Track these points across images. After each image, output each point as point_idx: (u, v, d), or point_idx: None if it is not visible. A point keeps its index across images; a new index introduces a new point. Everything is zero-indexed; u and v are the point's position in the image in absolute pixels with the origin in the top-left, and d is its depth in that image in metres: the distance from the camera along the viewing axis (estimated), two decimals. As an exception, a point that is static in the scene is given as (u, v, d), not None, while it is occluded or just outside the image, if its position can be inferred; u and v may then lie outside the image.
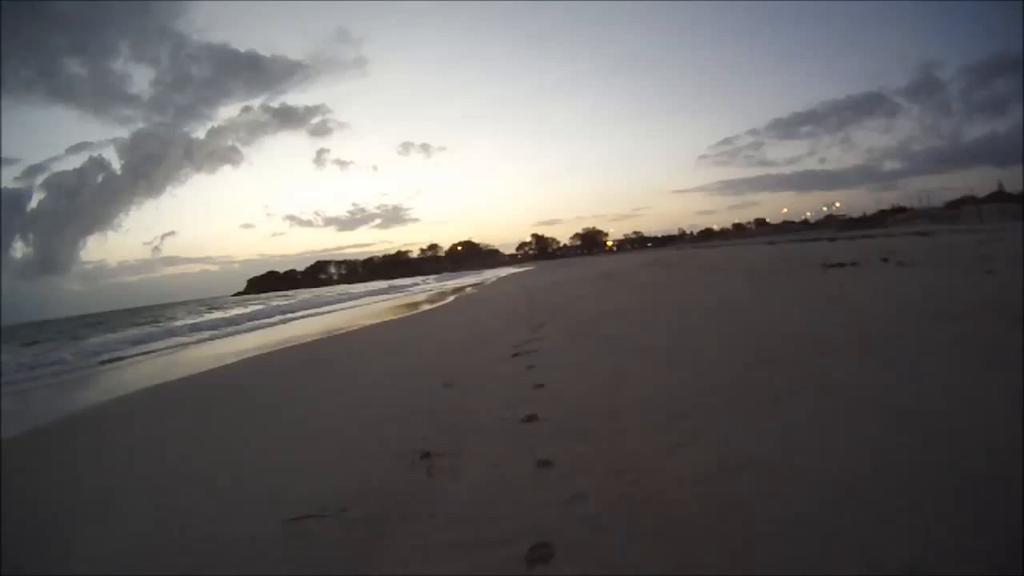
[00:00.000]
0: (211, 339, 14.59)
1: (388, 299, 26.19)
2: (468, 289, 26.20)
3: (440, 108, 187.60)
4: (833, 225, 61.41)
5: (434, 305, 16.86)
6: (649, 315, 6.65)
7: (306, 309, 22.90)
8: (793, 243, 26.00)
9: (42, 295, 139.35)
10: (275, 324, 17.26)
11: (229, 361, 8.84)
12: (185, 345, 13.75)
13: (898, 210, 55.53)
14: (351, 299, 29.39)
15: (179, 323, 22.43)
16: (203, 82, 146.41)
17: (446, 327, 9.15)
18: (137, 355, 12.43)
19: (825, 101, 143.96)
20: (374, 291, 36.14)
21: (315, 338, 11.17)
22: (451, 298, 19.92)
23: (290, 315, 20.46)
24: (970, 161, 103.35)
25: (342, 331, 11.88)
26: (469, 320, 9.90)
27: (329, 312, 21.13)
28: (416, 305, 18.90)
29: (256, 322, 18.45)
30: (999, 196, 48.29)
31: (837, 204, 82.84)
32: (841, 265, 9.26)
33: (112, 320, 37.70)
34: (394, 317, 13.85)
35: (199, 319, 24.39)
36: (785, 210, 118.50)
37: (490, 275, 47.03)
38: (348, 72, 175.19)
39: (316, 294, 43.82)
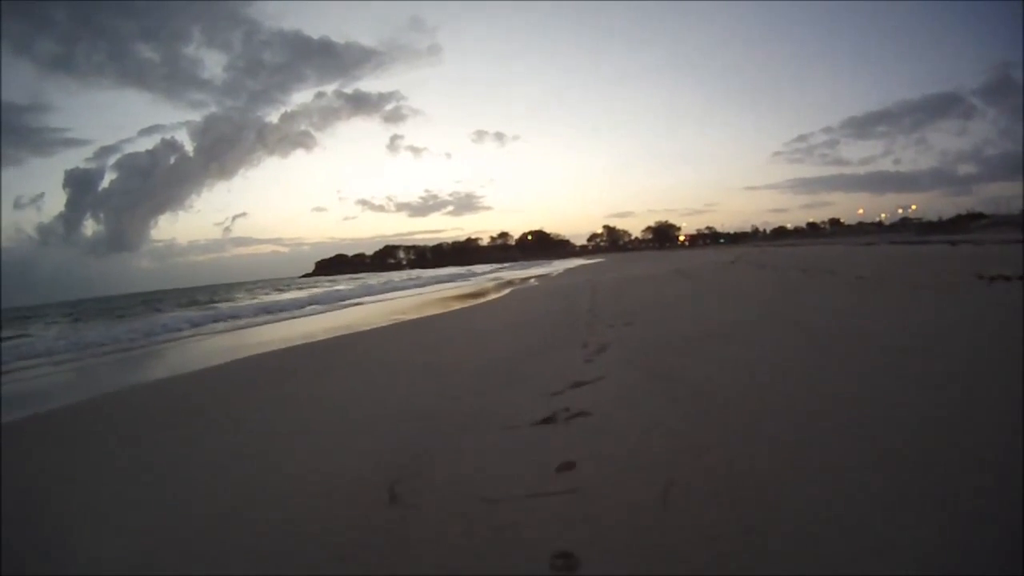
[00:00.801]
0: (245, 327, 13.40)
1: (444, 288, 24.64)
2: (531, 280, 24.28)
3: (513, 97, 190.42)
4: (911, 228, 60.26)
5: (482, 300, 14.88)
6: (773, 347, 4.28)
7: (354, 298, 21.50)
8: (893, 245, 23.03)
9: (111, 271, 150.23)
10: (303, 316, 15.75)
11: (215, 362, 7.21)
12: (216, 333, 12.56)
13: (976, 216, 54.72)
14: (409, 286, 28.23)
15: (225, 306, 21.63)
16: (276, 68, 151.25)
17: (474, 337, 7.11)
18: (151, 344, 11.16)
19: (900, 100, 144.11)
20: (436, 279, 34.88)
21: (321, 338, 9.47)
22: (506, 291, 17.94)
23: (328, 305, 19.05)
24: None
25: (356, 329, 10.20)
26: (510, 326, 7.94)
27: (375, 301, 19.63)
28: (467, 297, 17.13)
29: (299, 311, 17.13)
30: None
31: (913, 207, 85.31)
32: (1006, 278, 6.63)
33: (167, 298, 38.19)
34: (427, 314, 12.05)
35: (251, 301, 23.55)
36: (861, 211, 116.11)
37: (558, 266, 44.87)
38: (422, 60, 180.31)
39: (382, 279, 43.23)
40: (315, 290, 28.46)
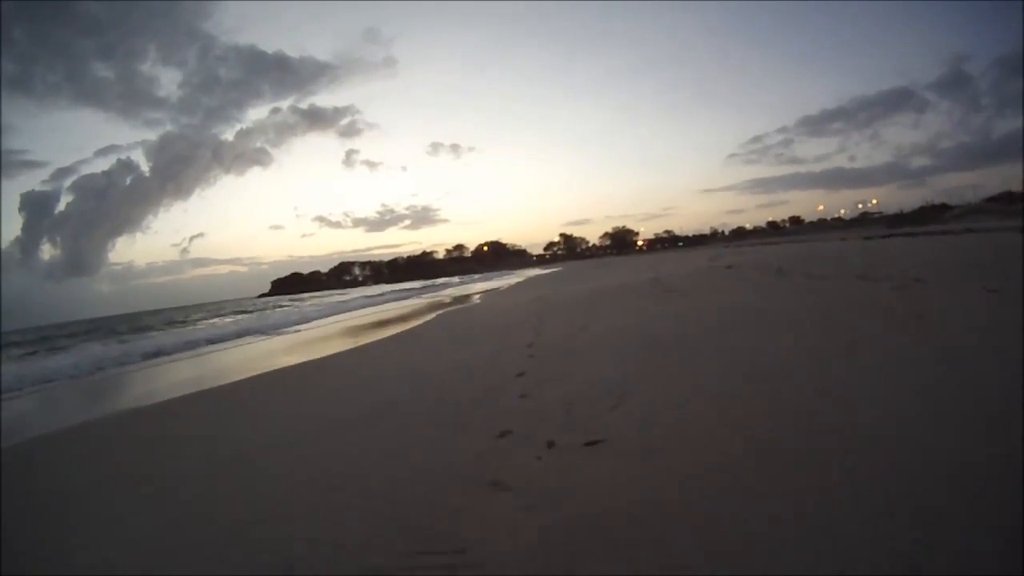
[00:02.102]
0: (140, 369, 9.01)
1: (376, 310, 20.20)
2: (473, 297, 20.08)
3: (470, 108, 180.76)
4: (877, 222, 60.08)
5: (393, 330, 10.83)
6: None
7: (287, 325, 16.98)
8: (876, 240, 20.39)
9: (70, 297, 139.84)
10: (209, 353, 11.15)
11: None
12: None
13: (940, 207, 54.21)
14: (348, 307, 23.82)
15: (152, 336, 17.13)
16: (231, 84, 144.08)
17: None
18: None
19: (855, 97, 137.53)
20: (379, 297, 30.80)
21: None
22: (430, 316, 13.76)
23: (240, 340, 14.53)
24: (999, 157, 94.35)
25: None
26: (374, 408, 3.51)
27: (297, 331, 15.29)
28: (381, 326, 12.91)
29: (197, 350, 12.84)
30: None
31: (874, 201, 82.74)
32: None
33: (100, 328, 32.59)
34: (325, 351, 7.95)
35: (181, 331, 18.76)
36: (821, 207, 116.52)
37: (510, 279, 40.41)
38: (377, 72, 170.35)
39: (328, 299, 38.52)
40: (250, 316, 23.16)
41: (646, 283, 11.88)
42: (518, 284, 27.32)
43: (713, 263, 17.91)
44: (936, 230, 23.38)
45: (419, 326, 11.58)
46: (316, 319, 18.25)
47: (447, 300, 21.18)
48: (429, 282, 61.39)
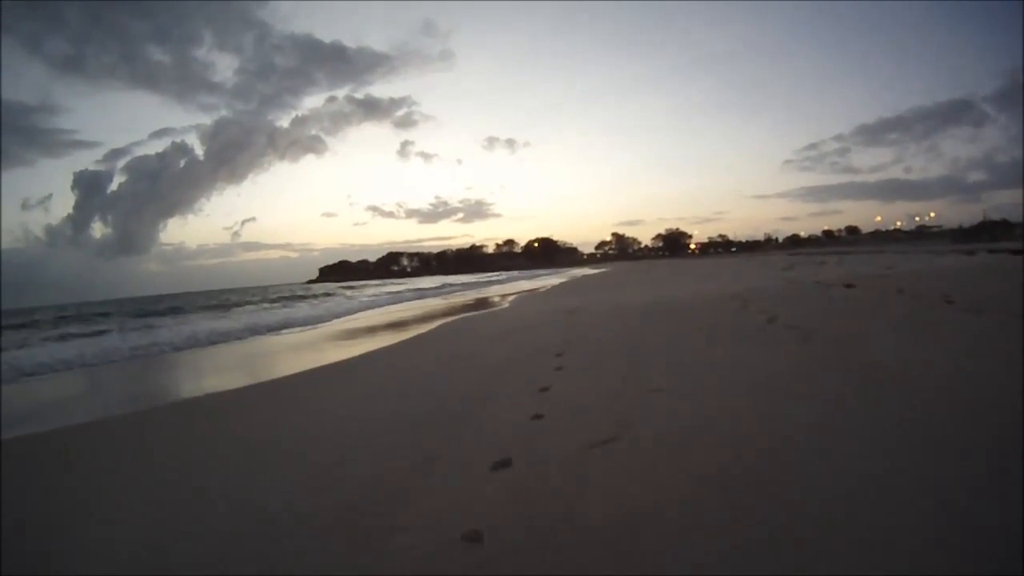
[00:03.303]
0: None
1: (377, 314, 17.38)
2: (501, 301, 17.16)
3: (525, 103, 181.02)
4: (942, 236, 58.25)
5: (389, 339, 8.22)
6: None
7: (324, 320, 14.86)
8: (971, 256, 17.30)
9: (120, 274, 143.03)
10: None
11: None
12: None
13: (1003, 224, 51.94)
14: (380, 302, 21.62)
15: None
16: (287, 72, 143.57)
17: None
18: None
19: (913, 107, 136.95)
20: (417, 292, 28.60)
21: None
22: (434, 325, 10.97)
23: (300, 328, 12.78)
24: None
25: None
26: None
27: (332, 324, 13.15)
28: (385, 329, 9.98)
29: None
30: None
31: (932, 214, 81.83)
32: None
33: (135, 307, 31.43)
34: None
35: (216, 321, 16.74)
36: (879, 218, 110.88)
37: (554, 279, 37.05)
38: (434, 65, 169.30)
39: (369, 292, 35.95)
40: (293, 310, 20.95)
41: (727, 301, 8.58)
42: (556, 287, 24.02)
43: (792, 273, 14.30)
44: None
45: (394, 345, 8.62)
46: (318, 320, 15.51)
47: (468, 303, 18.22)
48: (474, 277, 59.03)
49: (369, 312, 17.25)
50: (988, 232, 45.01)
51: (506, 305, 15.47)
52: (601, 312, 9.76)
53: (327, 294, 34.91)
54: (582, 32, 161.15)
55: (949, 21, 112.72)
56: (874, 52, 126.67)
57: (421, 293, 27.81)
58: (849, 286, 8.76)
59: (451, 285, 35.64)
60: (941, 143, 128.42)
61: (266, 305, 25.75)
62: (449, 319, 12.25)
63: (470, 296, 23.12)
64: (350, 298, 27.94)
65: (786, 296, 8.66)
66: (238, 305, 27.28)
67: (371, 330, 11.70)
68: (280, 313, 18.31)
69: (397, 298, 24.91)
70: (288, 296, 32.97)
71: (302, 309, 20.27)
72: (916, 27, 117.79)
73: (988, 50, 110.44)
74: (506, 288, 27.53)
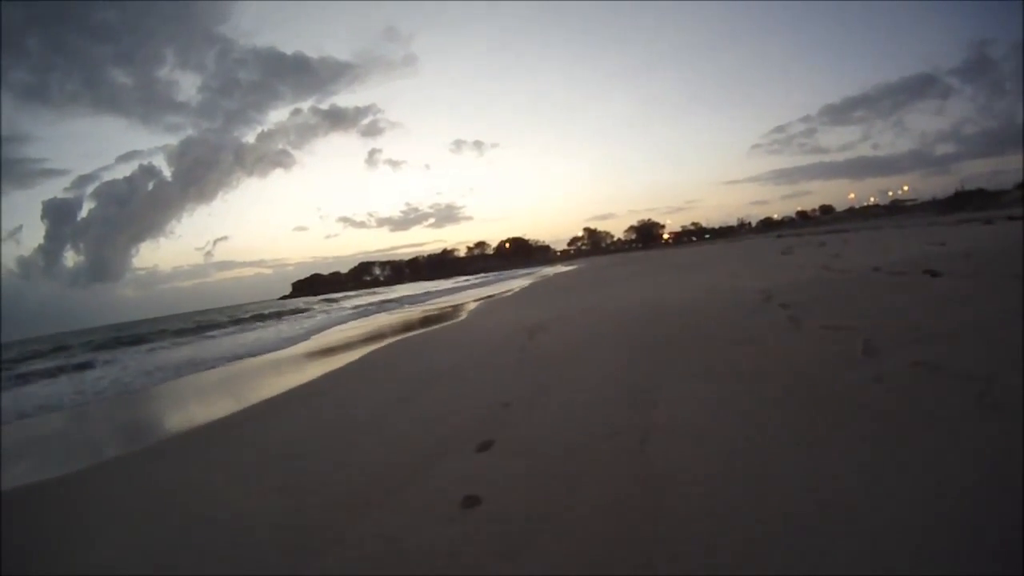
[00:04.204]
0: None
1: (331, 334, 14.65)
2: (451, 310, 14.20)
3: (491, 105, 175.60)
4: (917, 210, 57.26)
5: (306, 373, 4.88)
6: None
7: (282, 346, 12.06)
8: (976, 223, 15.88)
9: (95, 302, 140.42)
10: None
11: None
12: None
13: (979, 193, 51.35)
14: (344, 317, 19.32)
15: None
16: (251, 86, 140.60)
17: None
18: None
19: (878, 84, 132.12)
20: (360, 309, 25.88)
21: None
22: (366, 351, 8.02)
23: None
24: None
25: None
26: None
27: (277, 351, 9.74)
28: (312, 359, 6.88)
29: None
30: None
31: (905, 188, 79.91)
32: None
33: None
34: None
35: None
36: (852, 195, 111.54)
37: (525, 280, 34.25)
38: (398, 71, 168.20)
39: (335, 306, 33.37)
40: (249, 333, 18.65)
41: (756, 306, 5.78)
42: (524, 291, 21.07)
43: (798, 258, 11.65)
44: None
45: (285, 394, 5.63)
46: (262, 350, 12.45)
47: (420, 318, 15.26)
48: (450, 283, 55.75)
49: (316, 338, 14.11)
50: (971, 201, 44.30)
51: (462, 317, 12.63)
52: (572, 331, 6.97)
53: (296, 310, 32.41)
54: (545, 32, 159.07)
55: None
56: (836, 32, 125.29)
57: (382, 306, 25.01)
58: (933, 274, 5.99)
59: (413, 296, 32.50)
60: (907, 118, 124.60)
61: (229, 329, 22.83)
62: (378, 344, 9.34)
63: (431, 306, 20.21)
64: (311, 315, 25.72)
65: (848, 295, 5.88)
66: (198, 330, 24.13)
67: (295, 362, 8.73)
68: (227, 343, 15.72)
69: (360, 312, 22.23)
70: (251, 317, 30.01)
71: (256, 333, 17.90)
72: (877, 5, 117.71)
73: (951, 23, 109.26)
74: (471, 294, 24.62)
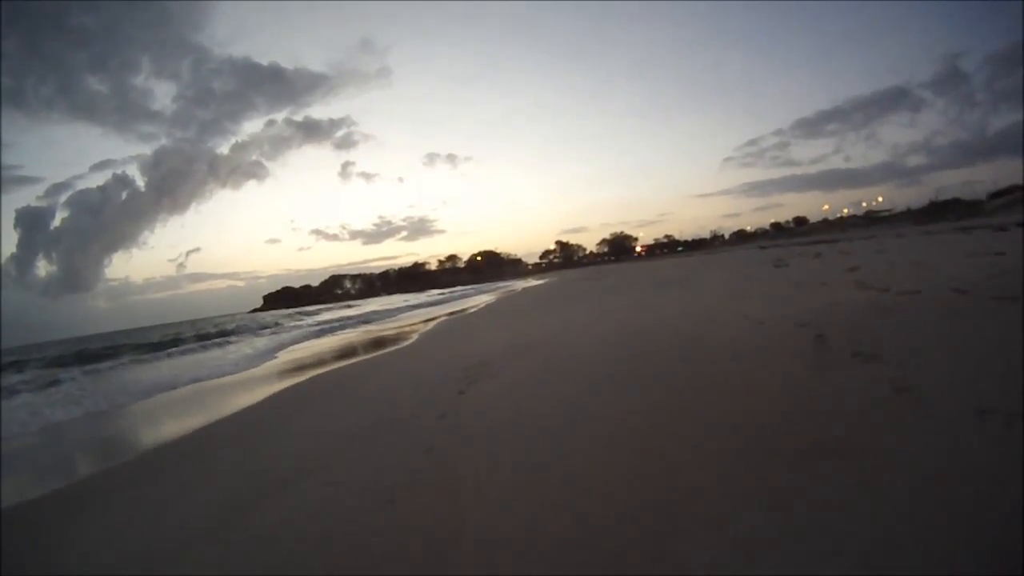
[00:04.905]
0: None
1: (275, 361, 11.93)
2: (393, 335, 12.01)
3: (465, 118, 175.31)
4: (901, 219, 56.84)
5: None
6: None
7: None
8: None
9: (68, 313, 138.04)
10: None
11: None
12: None
13: (955, 203, 51.95)
14: (280, 346, 16.23)
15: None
16: (225, 96, 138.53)
17: None
18: None
19: (850, 98, 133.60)
20: (326, 324, 23.75)
21: None
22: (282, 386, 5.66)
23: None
24: (995, 153, 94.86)
25: None
26: None
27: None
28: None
29: None
30: None
31: (879, 199, 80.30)
32: None
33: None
34: None
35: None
36: (826, 207, 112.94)
37: (490, 296, 32.14)
38: (372, 83, 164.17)
39: (302, 322, 30.65)
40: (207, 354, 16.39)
41: (792, 344, 3.67)
42: (484, 309, 18.86)
43: (798, 272, 9.76)
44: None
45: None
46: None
47: (365, 341, 12.96)
48: (423, 296, 53.20)
49: (249, 369, 11.60)
50: (950, 211, 44.40)
51: (404, 344, 10.42)
52: (523, 378, 4.83)
53: (262, 325, 29.93)
54: (519, 46, 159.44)
55: (882, 11, 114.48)
56: (808, 46, 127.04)
57: (344, 322, 22.97)
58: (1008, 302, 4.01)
59: (376, 313, 30.03)
60: (880, 130, 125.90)
61: (190, 345, 20.33)
62: (288, 383, 7.03)
63: (385, 325, 18.03)
64: (276, 332, 23.41)
65: (953, 340, 3.77)
66: (157, 348, 21.53)
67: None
68: (188, 360, 14.06)
69: (316, 331, 19.77)
70: (215, 333, 27.54)
71: (215, 353, 15.82)
72: (849, 19, 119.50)
73: (923, 37, 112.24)
74: (431, 312, 22.42)
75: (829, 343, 3.88)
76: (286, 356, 11.97)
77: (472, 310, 18.62)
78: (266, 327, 28.41)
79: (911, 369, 3.12)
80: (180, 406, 7.41)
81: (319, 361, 10.04)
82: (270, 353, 13.13)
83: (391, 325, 17.79)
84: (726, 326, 5.26)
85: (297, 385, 7.22)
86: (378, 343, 11.99)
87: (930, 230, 23.56)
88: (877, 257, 10.50)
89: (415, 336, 11.83)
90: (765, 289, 7.89)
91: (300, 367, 9.47)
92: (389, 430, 4.05)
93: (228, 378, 9.47)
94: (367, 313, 28.74)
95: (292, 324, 27.98)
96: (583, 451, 2.88)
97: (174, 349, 19.26)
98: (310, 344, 14.70)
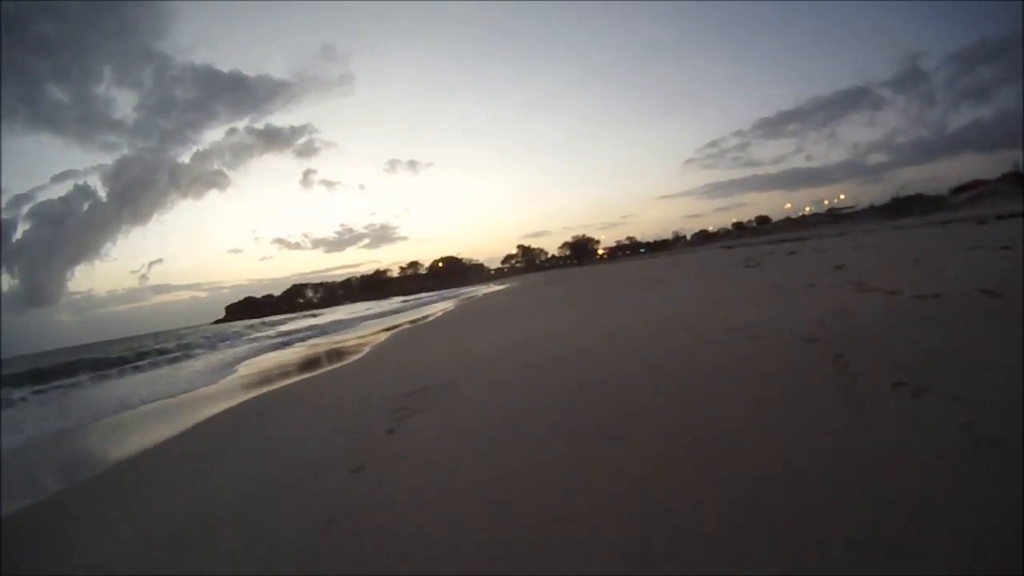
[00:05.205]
0: None
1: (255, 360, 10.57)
2: (335, 352, 10.94)
3: (426, 123, 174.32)
4: (865, 216, 57.35)
5: None
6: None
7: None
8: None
9: (32, 328, 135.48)
10: None
11: None
12: None
13: (918, 199, 52.10)
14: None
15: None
16: (187, 105, 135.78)
17: None
18: None
19: (811, 98, 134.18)
20: (287, 336, 22.89)
21: None
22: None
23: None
24: (956, 149, 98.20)
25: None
26: None
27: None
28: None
29: None
30: (1015, 176, 44.72)
31: (842, 196, 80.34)
32: None
33: None
34: None
35: None
36: (789, 205, 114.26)
37: (448, 304, 31.05)
38: (334, 90, 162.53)
39: (261, 333, 29.41)
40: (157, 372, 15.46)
41: (809, 367, 2.71)
42: (439, 320, 17.71)
43: (767, 272, 9.05)
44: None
45: None
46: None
47: (300, 360, 11.71)
48: (387, 304, 51.74)
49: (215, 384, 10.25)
50: (915, 206, 44.67)
51: (344, 363, 9.28)
52: (466, 416, 3.82)
53: (225, 339, 28.23)
54: (479, 51, 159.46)
55: (843, 12, 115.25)
56: (770, 48, 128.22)
57: (304, 334, 21.87)
58: None
59: (333, 324, 28.58)
60: (840, 129, 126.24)
61: (141, 364, 19.31)
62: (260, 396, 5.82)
63: (335, 338, 16.76)
64: (232, 344, 22.56)
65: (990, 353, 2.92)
66: (112, 366, 19.78)
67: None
68: (140, 379, 13.09)
69: (272, 344, 18.55)
70: (171, 349, 25.72)
71: (164, 371, 14.70)
72: (810, 21, 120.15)
73: (883, 37, 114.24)
74: (387, 322, 21.17)
75: (854, 367, 2.98)
76: (228, 379, 10.62)
77: (428, 319, 17.50)
78: (226, 339, 27.12)
79: (986, 408, 2.23)
80: (115, 434, 6.15)
81: (249, 384, 8.82)
82: (221, 370, 11.97)
83: (346, 337, 16.52)
84: (711, 344, 4.32)
85: (187, 433, 5.93)
86: (316, 362, 10.80)
87: (903, 225, 23.40)
88: (857, 254, 9.82)
89: (363, 351, 10.68)
90: (745, 293, 7.04)
91: (228, 391, 8.25)
92: (282, 496, 2.99)
93: (165, 401, 8.19)
94: (327, 324, 27.40)
95: (250, 337, 26.87)
96: (536, 540, 1.88)
97: (127, 367, 17.94)
98: (255, 361, 13.36)
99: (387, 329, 16.38)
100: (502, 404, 3.91)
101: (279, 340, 19.95)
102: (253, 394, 7.50)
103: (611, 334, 5.90)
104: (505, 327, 9.52)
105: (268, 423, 5.17)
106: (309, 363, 10.75)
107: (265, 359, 13.46)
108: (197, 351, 21.37)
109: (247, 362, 13.42)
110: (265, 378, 9.33)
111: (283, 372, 9.80)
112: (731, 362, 3.65)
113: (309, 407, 5.59)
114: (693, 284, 10.01)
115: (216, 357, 16.69)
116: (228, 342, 24.57)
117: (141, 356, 22.46)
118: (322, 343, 15.70)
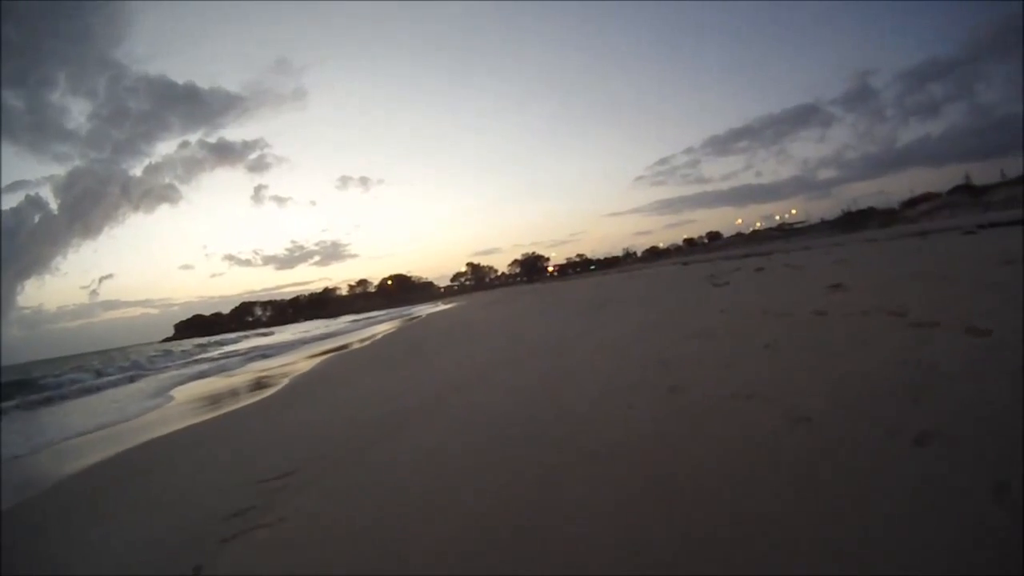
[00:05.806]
0: None
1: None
2: (265, 379, 9.16)
3: (378, 140, 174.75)
4: (817, 230, 58.27)
5: None
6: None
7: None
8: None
9: None
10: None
11: None
12: None
13: (868, 212, 53.34)
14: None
15: None
16: (141, 116, 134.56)
17: None
18: None
19: (761, 116, 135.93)
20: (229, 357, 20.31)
21: None
22: None
23: None
24: (904, 164, 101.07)
25: None
26: None
27: None
28: None
29: None
30: (967, 188, 47.05)
31: (793, 211, 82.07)
32: None
33: None
34: None
35: None
36: (739, 220, 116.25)
37: (388, 325, 29.16)
38: (287, 104, 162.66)
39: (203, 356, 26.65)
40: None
41: None
42: (378, 341, 15.93)
43: (742, 293, 7.76)
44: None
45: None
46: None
47: (220, 392, 9.74)
48: (335, 324, 48.91)
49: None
50: (869, 219, 46.16)
51: (258, 398, 7.44)
52: (359, 512, 2.11)
53: (167, 364, 25.57)
54: (431, 69, 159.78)
55: (793, 31, 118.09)
56: (719, 66, 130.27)
57: (242, 356, 19.95)
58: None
59: (273, 346, 26.29)
60: (790, 146, 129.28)
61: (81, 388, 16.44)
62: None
63: (266, 365, 14.70)
64: (172, 366, 21.02)
65: None
66: (43, 391, 17.02)
67: None
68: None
69: (209, 368, 16.75)
70: (112, 373, 22.88)
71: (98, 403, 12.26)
72: (760, 39, 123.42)
73: (833, 56, 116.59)
74: (324, 346, 19.29)
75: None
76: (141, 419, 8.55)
77: (363, 344, 15.71)
78: (168, 365, 24.74)
79: None
80: None
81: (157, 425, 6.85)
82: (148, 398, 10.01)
83: (279, 363, 14.53)
84: (710, 428, 2.76)
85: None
86: (236, 394, 8.90)
87: (875, 237, 22.90)
88: (846, 270, 8.59)
89: (275, 390, 8.83)
90: (727, 321, 5.56)
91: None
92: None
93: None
94: (267, 346, 25.27)
95: (187, 360, 24.62)
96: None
97: (54, 394, 15.50)
98: (186, 389, 11.21)
99: (321, 353, 14.93)
100: (388, 507, 2.26)
101: (214, 365, 17.83)
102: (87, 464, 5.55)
103: (549, 385, 4.33)
104: (443, 354, 7.94)
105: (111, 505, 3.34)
106: (213, 402, 8.79)
107: (193, 390, 11.35)
108: (140, 373, 19.21)
109: (187, 385, 11.35)
110: (194, 410, 7.34)
111: (167, 419, 7.82)
112: (766, 497, 2.09)
113: (131, 502, 3.78)
114: (658, 307, 8.58)
115: (155, 383, 14.58)
116: (168, 360, 23.26)
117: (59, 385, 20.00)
118: (251, 370, 13.66)
